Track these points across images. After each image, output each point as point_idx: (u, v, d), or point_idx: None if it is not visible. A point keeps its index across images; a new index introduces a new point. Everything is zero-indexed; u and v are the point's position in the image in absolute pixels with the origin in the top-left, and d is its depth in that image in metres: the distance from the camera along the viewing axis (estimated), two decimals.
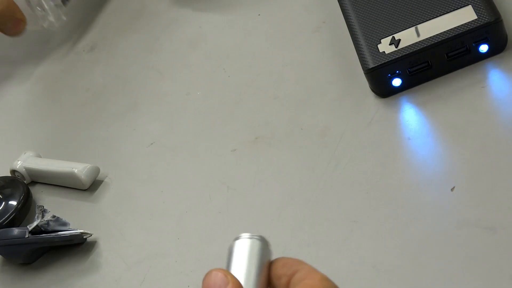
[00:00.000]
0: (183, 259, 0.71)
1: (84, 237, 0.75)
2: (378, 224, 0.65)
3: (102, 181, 0.82)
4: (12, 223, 0.79)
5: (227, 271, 0.55)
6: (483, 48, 0.73)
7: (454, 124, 0.70)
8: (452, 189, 0.66)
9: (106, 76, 0.95)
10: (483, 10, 0.72)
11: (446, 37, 0.72)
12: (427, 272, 0.62)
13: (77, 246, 0.76)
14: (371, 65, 0.73)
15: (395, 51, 0.72)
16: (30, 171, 0.84)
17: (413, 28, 0.73)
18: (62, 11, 1.00)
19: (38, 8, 0.98)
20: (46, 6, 0.98)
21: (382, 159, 0.70)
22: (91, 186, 0.81)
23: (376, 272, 0.62)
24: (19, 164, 0.85)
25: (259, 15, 0.92)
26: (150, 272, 0.72)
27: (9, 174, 0.85)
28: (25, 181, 0.84)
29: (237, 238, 0.56)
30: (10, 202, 0.81)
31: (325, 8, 0.87)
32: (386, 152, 0.71)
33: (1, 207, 0.81)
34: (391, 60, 0.72)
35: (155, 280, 0.71)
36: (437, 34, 0.72)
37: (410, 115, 0.74)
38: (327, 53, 0.83)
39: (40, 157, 0.86)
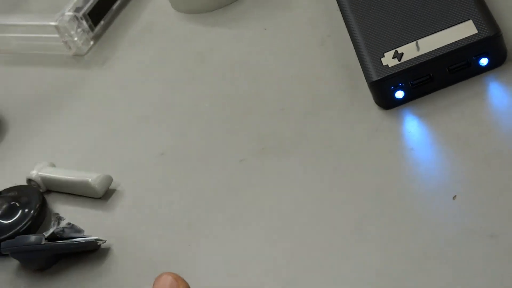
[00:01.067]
0: (194, 266, 0.71)
1: (98, 243, 0.75)
2: (382, 231, 0.65)
3: (115, 190, 0.81)
4: (28, 231, 0.78)
5: (177, 274, 0.57)
6: (483, 61, 0.72)
7: (456, 134, 0.69)
8: (453, 198, 0.65)
9: (118, 90, 0.94)
10: (484, 25, 0.71)
11: (448, 51, 0.71)
12: (430, 279, 0.61)
13: (91, 253, 0.76)
14: (375, 78, 0.72)
15: (398, 64, 0.72)
16: (45, 180, 0.84)
17: (415, 42, 0.73)
18: (89, 36, 1.01)
19: (66, 34, 0.98)
20: (73, 33, 0.99)
21: (386, 168, 0.70)
22: (104, 195, 0.81)
23: (380, 279, 0.61)
24: (34, 174, 0.84)
25: (265, 29, 0.91)
26: None
27: (25, 183, 0.84)
28: (40, 190, 0.84)
29: None
30: (27, 210, 0.81)
31: (330, 22, 0.86)
32: (390, 161, 0.70)
33: (18, 215, 0.80)
34: (394, 73, 0.72)
35: None
36: (438, 48, 0.72)
37: (412, 126, 0.73)
38: (331, 66, 0.82)
39: (55, 166, 0.85)
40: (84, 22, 1.01)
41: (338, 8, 0.88)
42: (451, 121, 0.71)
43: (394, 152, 0.71)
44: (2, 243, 0.78)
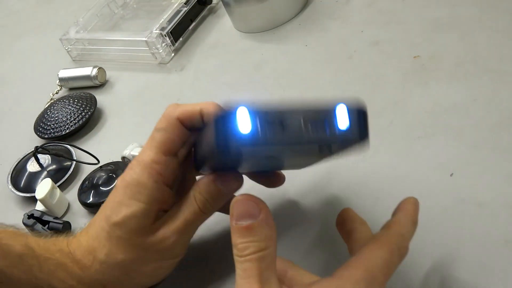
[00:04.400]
0: None
1: None
2: None
3: None
4: None
5: (258, 199, 0.49)
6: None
7: None
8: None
9: (192, 90, 0.95)
10: None
11: None
12: (430, 241, 0.61)
13: None
14: None
15: None
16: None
17: None
18: (171, 49, 1.02)
19: (153, 47, 1.00)
20: (159, 46, 1.00)
21: None
22: None
23: None
24: (127, 152, 0.85)
25: (306, 45, 0.92)
26: None
27: (120, 160, 0.86)
28: None
29: None
30: None
31: (356, 41, 0.87)
32: None
33: (114, 184, 0.81)
34: None
35: None
36: None
37: None
38: (357, 74, 0.83)
39: (142, 147, 0.86)
40: (167, 38, 1.02)
41: (362, 30, 0.89)
42: None
43: None
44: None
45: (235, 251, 0.49)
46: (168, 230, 0.60)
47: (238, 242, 0.48)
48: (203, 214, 0.61)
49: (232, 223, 0.49)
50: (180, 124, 0.61)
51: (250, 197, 0.49)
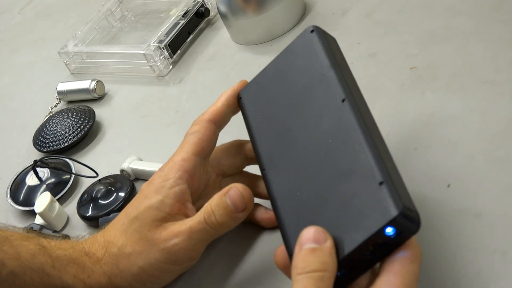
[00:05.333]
0: None
1: None
2: None
3: None
4: (120, 209, 0.77)
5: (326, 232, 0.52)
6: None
7: None
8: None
9: (190, 102, 0.95)
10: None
11: None
12: (428, 252, 0.61)
13: None
14: None
15: None
16: (134, 171, 0.85)
17: None
18: (169, 62, 1.02)
19: (152, 60, 1.00)
20: (157, 59, 1.01)
21: None
22: None
23: None
24: (126, 165, 0.85)
25: None
26: None
27: (118, 173, 0.86)
28: (130, 178, 0.85)
29: None
30: (120, 194, 0.82)
31: (353, 51, 0.87)
32: None
33: (113, 197, 0.82)
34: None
35: None
36: None
37: None
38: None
39: (142, 160, 0.86)
40: (165, 51, 1.02)
41: (359, 42, 0.89)
42: None
43: None
44: (100, 218, 0.80)
45: (295, 271, 0.50)
46: (173, 232, 0.62)
47: (300, 263, 0.50)
48: (207, 225, 0.61)
49: (298, 248, 0.51)
50: (211, 124, 0.67)
51: (319, 228, 0.51)
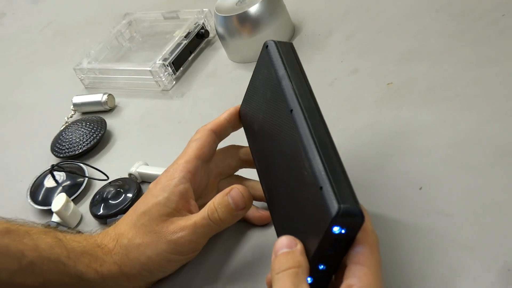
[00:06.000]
0: None
1: None
2: None
3: None
4: (128, 209, 0.76)
5: (295, 238, 0.53)
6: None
7: None
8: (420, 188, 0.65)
9: (191, 114, 0.95)
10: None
11: None
12: (401, 251, 0.61)
13: None
14: None
15: None
16: (141, 174, 0.85)
17: None
18: (173, 78, 1.02)
19: (157, 76, 1.00)
20: (162, 75, 1.01)
21: None
22: None
23: None
24: (133, 169, 0.85)
25: None
26: None
27: (127, 176, 0.86)
28: (137, 181, 0.85)
29: None
30: (128, 194, 0.82)
31: (335, 70, 0.86)
32: None
33: (121, 198, 0.82)
34: None
35: None
36: None
37: None
38: (338, 99, 0.83)
39: (147, 165, 0.86)
40: (169, 68, 1.01)
41: (342, 60, 0.89)
42: None
43: None
44: (108, 219, 0.80)
45: (273, 272, 0.52)
46: (179, 226, 0.63)
47: (276, 265, 0.52)
48: (210, 221, 0.63)
49: (273, 256, 0.53)
50: (212, 133, 0.68)
51: (290, 236, 0.53)
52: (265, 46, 0.63)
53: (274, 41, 0.63)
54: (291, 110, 0.55)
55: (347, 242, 0.51)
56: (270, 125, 0.60)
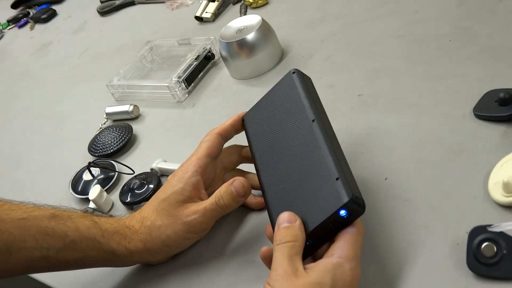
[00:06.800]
0: None
1: None
2: None
3: None
4: (150, 197, 0.75)
5: (295, 214, 0.53)
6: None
7: None
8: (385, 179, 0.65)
9: (201, 120, 0.94)
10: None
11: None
12: (369, 230, 0.60)
13: None
14: None
15: None
16: (160, 169, 0.84)
17: None
18: (185, 91, 1.01)
19: (173, 90, 0.99)
20: (177, 90, 1.00)
21: None
22: None
23: None
24: (154, 165, 0.84)
25: None
26: None
27: (149, 171, 0.85)
28: (158, 174, 0.84)
29: None
30: (150, 186, 0.81)
31: (317, 83, 0.86)
32: None
33: (145, 188, 0.81)
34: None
35: None
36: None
37: None
38: (338, 104, 0.82)
39: (166, 161, 0.85)
40: (182, 84, 1.01)
41: (321, 77, 0.89)
42: None
43: None
44: (134, 206, 0.79)
45: (275, 243, 0.52)
46: (192, 210, 0.63)
47: (278, 236, 0.52)
48: (217, 206, 0.63)
49: (276, 227, 0.53)
50: (219, 136, 0.68)
51: (291, 212, 0.54)
52: (292, 72, 0.65)
53: (298, 70, 0.66)
54: (313, 120, 0.58)
55: (341, 226, 0.52)
56: (284, 128, 0.62)
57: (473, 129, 0.66)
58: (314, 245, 0.54)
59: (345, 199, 0.50)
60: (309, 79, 0.67)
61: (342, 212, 0.50)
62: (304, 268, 0.50)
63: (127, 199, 0.81)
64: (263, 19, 0.97)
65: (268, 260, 0.54)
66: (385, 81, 0.81)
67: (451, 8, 0.88)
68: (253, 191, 0.70)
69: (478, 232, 0.52)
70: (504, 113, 0.64)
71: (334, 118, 0.77)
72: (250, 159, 0.69)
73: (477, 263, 0.51)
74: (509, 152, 0.60)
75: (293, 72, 0.65)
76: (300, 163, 0.57)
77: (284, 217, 0.53)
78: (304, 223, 0.53)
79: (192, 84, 1.04)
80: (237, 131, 0.70)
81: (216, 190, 0.64)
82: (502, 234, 0.51)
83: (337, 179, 0.51)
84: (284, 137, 0.61)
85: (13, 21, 1.82)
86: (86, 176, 0.90)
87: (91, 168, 0.90)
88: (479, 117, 0.67)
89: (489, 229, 0.52)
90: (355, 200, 0.50)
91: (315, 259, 0.55)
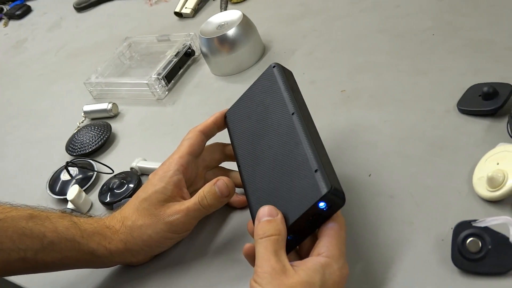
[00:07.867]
0: None
1: None
2: None
3: None
4: (131, 196, 0.77)
5: (276, 208, 0.53)
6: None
7: None
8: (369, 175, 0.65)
9: (181, 118, 0.93)
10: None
11: None
12: (354, 226, 0.60)
13: None
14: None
15: None
16: (140, 168, 0.83)
17: None
18: (165, 89, 1.01)
19: (153, 88, 0.99)
20: (157, 87, 0.99)
21: None
22: None
23: None
24: (134, 164, 0.83)
25: None
26: None
27: (129, 170, 0.84)
28: (138, 173, 0.83)
29: None
30: (129, 185, 0.80)
31: (299, 80, 0.86)
32: None
33: (125, 187, 0.80)
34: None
35: None
36: None
37: None
38: (320, 99, 0.82)
39: (146, 160, 0.85)
40: (162, 81, 1.00)
41: (304, 72, 0.89)
42: None
43: None
44: (114, 204, 0.78)
45: (257, 237, 0.52)
46: (175, 210, 0.62)
47: (260, 230, 0.52)
48: (200, 206, 0.62)
49: (257, 222, 0.53)
50: (201, 134, 0.67)
51: (271, 206, 0.53)
52: (272, 66, 0.65)
53: (278, 64, 0.65)
54: (292, 113, 0.58)
55: (322, 220, 0.52)
56: (265, 123, 0.61)
57: (457, 124, 0.66)
58: (296, 240, 0.54)
59: (324, 190, 0.49)
60: (290, 73, 0.66)
61: (322, 205, 0.50)
62: (291, 266, 0.50)
63: (107, 199, 0.80)
64: (244, 15, 0.97)
65: (251, 257, 0.54)
66: (367, 77, 0.81)
67: (434, 2, 0.89)
68: (236, 189, 0.70)
69: (463, 228, 0.52)
70: (488, 107, 0.64)
71: (316, 114, 0.77)
72: (233, 157, 0.69)
73: (462, 258, 0.51)
74: (493, 147, 0.60)
75: (274, 66, 0.65)
76: (280, 157, 0.57)
77: (265, 211, 0.53)
78: (285, 217, 0.52)
79: (172, 81, 1.03)
80: (220, 129, 0.69)
81: (198, 188, 0.64)
82: (487, 229, 0.51)
83: (316, 171, 0.51)
84: (265, 132, 0.61)
85: None
86: (64, 176, 0.88)
87: (69, 168, 0.88)
88: (463, 111, 0.67)
89: (474, 224, 0.52)
90: (334, 192, 0.49)
91: (300, 256, 0.54)
